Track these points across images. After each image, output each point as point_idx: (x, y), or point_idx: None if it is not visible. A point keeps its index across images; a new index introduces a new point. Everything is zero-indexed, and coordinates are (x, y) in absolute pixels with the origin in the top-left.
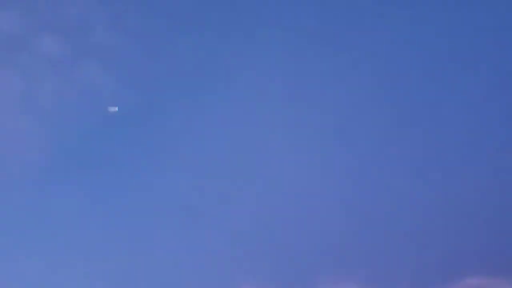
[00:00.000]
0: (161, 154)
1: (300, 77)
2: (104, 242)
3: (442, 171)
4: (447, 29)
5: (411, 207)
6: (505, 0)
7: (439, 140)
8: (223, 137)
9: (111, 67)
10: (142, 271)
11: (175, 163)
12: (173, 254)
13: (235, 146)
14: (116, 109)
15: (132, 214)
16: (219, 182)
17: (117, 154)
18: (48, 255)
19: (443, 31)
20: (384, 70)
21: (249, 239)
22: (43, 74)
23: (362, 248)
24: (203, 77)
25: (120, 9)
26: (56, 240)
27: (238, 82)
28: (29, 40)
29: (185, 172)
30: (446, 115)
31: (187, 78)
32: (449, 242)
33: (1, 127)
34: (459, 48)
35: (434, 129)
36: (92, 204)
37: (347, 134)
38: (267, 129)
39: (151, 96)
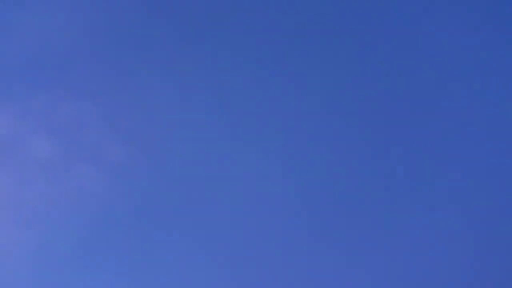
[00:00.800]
0: (155, 262)
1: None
2: None
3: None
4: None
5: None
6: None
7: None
8: (224, 239)
9: (104, 170)
10: None
11: (169, 274)
12: None
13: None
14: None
15: None
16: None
17: (109, 259)
18: None
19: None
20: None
21: None
22: (34, 177)
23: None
24: (200, 183)
25: (114, 111)
26: None
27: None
28: (21, 141)
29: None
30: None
31: (183, 184)
32: None
33: None
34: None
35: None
36: None
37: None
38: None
39: (145, 201)
